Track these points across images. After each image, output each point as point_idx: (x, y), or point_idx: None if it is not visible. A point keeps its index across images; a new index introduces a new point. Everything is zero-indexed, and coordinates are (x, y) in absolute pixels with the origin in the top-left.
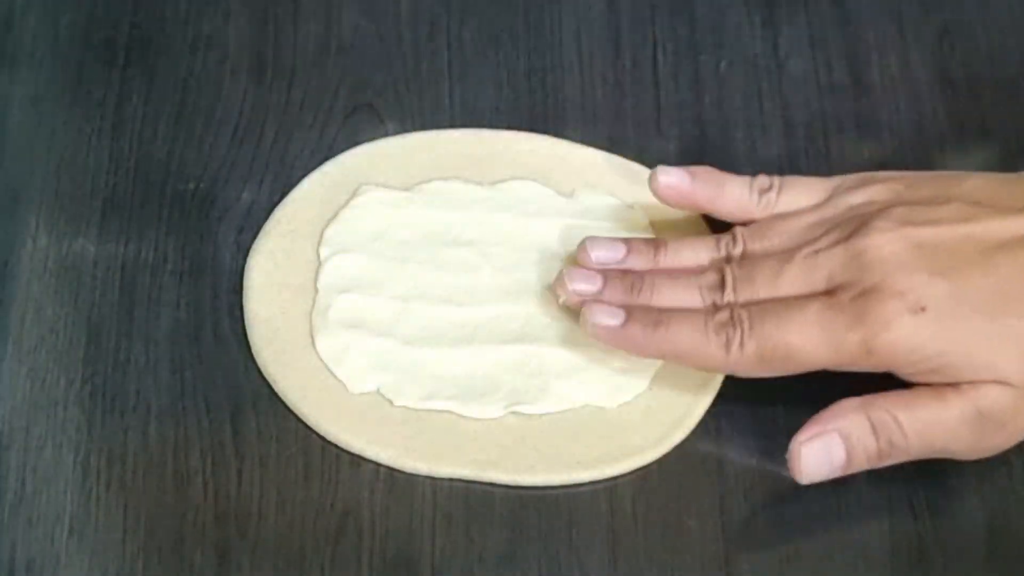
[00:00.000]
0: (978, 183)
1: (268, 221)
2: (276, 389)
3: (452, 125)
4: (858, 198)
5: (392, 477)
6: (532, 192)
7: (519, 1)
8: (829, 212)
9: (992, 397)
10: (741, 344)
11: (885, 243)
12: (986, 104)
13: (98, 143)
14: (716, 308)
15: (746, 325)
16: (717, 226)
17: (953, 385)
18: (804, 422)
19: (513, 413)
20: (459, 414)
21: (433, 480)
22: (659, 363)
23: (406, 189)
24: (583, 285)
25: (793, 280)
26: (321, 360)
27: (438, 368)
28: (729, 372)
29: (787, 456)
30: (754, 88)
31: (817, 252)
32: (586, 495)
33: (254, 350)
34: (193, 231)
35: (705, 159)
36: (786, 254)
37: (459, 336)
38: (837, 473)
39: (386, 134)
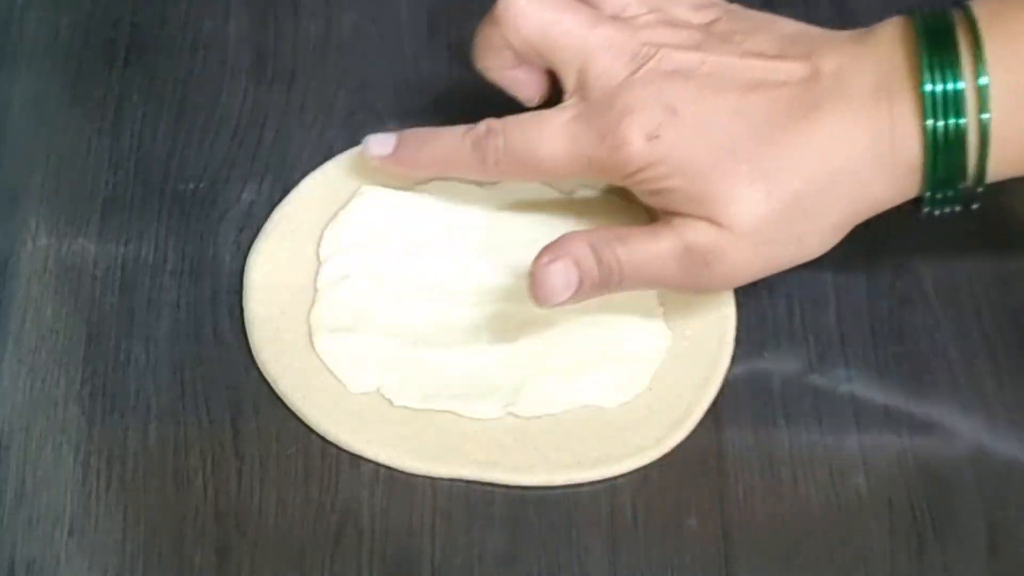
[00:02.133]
0: (788, 28)
1: (268, 221)
2: (276, 389)
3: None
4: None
5: (392, 477)
6: (532, 192)
7: None
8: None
9: (700, 232)
10: (496, 154)
11: (657, 59)
12: None
13: (98, 143)
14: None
15: (500, 139)
16: None
17: (667, 221)
18: (804, 422)
19: (513, 413)
20: (459, 414)
21: (433, 480)
22: (659, 363)
23: (406, 189)
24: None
25: None
26: (321, 360)
27: (438, 368)
28: (492, 180)
29: (528, 283)
30: None
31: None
32: (586, 495)
33: (254, 350)
34: (193, 231)
35: None
36: None
37: (459, 336)
38: (568, 296)
39: None
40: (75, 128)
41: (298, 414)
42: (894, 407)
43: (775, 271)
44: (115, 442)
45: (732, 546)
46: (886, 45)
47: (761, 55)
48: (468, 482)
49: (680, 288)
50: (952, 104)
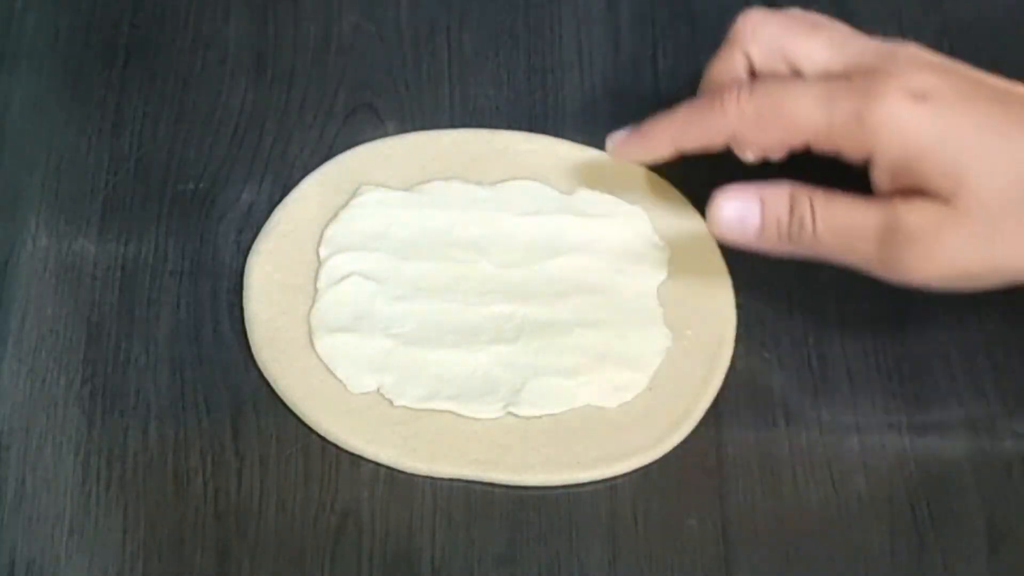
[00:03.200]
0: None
1: (268, 221)
2: (276, 389)
3: (452, 125)
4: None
5: (392, 477)
6: (532, 192)
7: (519, 1)
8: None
9: (918, 210)
10: (738, 100)
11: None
12: None
13: (98, 143)
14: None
15: (747, 88)
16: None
17: (888, 195)
18: (804, 422)
19: (513, 413)
20: (459, 414)
21: (433, 480)
22: (659, 363)
23: (406, 189)
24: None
25: None
26: (321, 360)
27: (438, 368)
28: (729, 131)
29: (707, 208)
30: None
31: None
32: (586, 495)
33: (254, 350)
34: (193, 231)
35: (705, 159)
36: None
37: (459, 336)
38: (748, 238)
39: (386, 134)
40: (75, 128)
41: (298, 414)
42: (894, 407)
43: (991, 272)
44: (115, 442)
45: (732, 546)
46: None
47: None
48: (468, 482)
49: (874, 270)
50: None
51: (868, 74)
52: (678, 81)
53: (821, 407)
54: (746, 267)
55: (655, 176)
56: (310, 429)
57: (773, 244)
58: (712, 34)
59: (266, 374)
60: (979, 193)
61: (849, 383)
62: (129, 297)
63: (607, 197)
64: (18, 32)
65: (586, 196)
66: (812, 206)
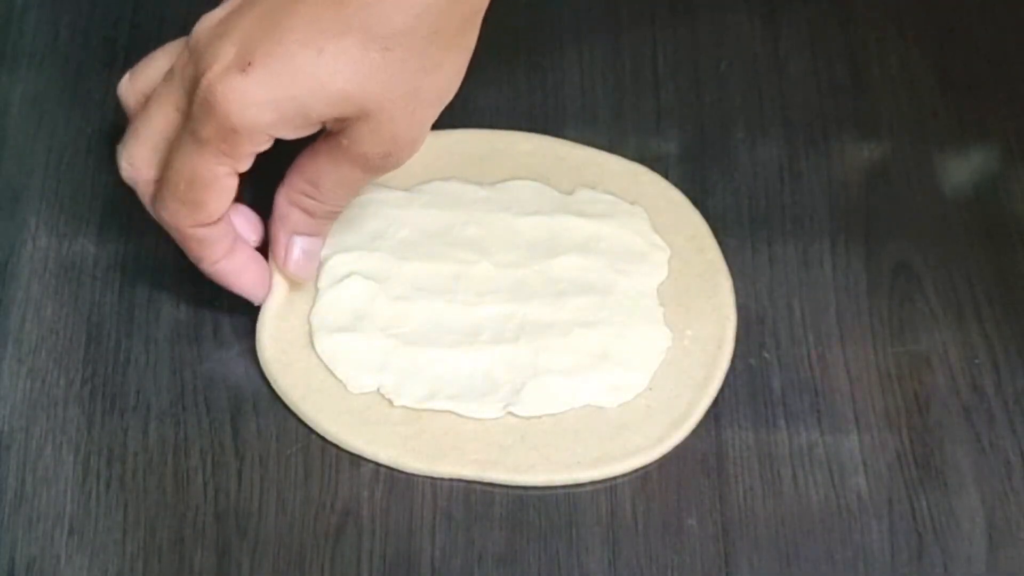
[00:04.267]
0: None
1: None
2: (276, 389)
3: (452, 125)
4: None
5: (392, 477)
6: (532, 192)
7: (519, 1)
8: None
9: (355, 136)
10: (164, 209)
11: (199, 35)
12: (986, 104)
13: (98, 143)
14: None
15: (159, 193)
16: (719, 229)
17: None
18: (804, 422)
19: (513, 413)
20: (459, 414)
21: (433, 480)
22: (659, 363)
23: (406, 189)
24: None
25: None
26: (321, 360)
27: (438, 368)
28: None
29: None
30: (754, 88)
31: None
32: (586, 495)
33: (258, 348)
34: None
35: (705, 159)
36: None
37: (459, 336)
38: (319, 249)
39: None
40: (75, 128)
41: (298, 414)
42: (894, 407)
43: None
44: (115, 442)
45: (732, 546)
46: None
47: None
48: (468, 482)
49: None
50: None
51: (197, 94)
52: (678, 81)
53: (821, 407)
54: (746, 267)
55: (655, 176)
56: (310, 429)
57: (319, 231)
58: (712, 34)
59: (266, 374)
60: (379, 100)
61: (849, 383)
62: (129, 297)
63: (607, 197)
64: (18, 32)
65: (586, 196)
66: (307, 192)
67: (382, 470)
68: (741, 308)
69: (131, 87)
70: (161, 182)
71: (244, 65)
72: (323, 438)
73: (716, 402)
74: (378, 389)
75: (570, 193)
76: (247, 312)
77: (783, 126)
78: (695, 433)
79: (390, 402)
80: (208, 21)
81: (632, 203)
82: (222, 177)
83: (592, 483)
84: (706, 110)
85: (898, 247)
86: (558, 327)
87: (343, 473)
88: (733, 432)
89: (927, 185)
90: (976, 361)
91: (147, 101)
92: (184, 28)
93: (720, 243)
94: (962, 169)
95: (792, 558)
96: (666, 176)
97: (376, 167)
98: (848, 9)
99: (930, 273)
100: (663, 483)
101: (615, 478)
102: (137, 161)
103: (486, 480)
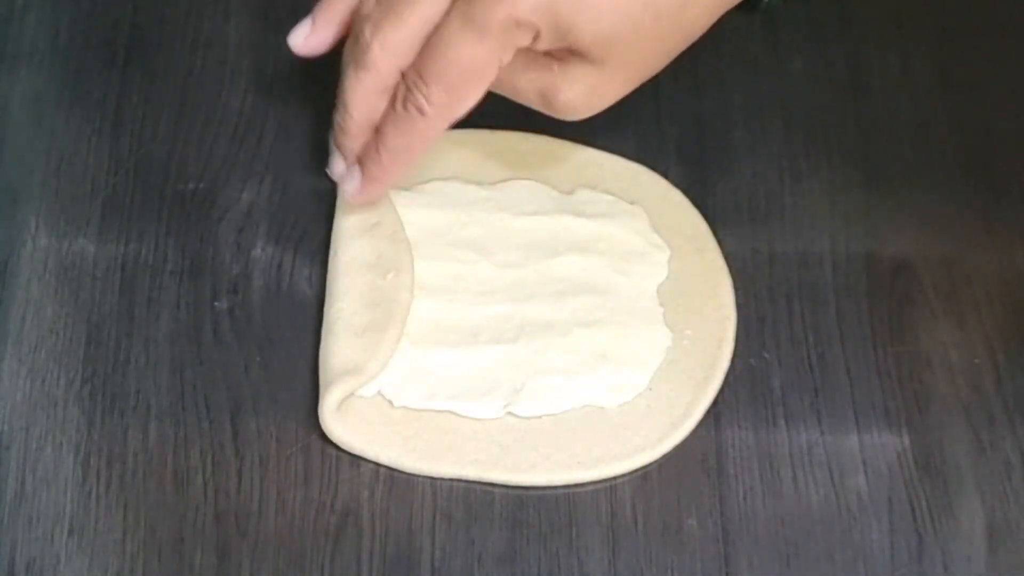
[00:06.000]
0: None
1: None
2: (276, 389)
3: (452, 125)
4: None
5: (392, 477)
6: (532, 192)
7: None
8: None
9: (572, 76)
10: (427, 100)
11: None
12: (986, 104)
13: (98, 143)
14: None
15: (420, 84)
16: (719, 230)
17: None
18: (804, 422)
19: (513, 413)
20: (459, 414)
21: (433, 480)
22: (659, 363)
23: (406, 189)
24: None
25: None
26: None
27: (438, 368)
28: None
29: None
30: (754, 88)
31: None
32: (586, 495)
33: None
34: (193, 231)
35: (705, 159)
36: None
37: (459, 336)
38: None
39: None
40: (75, 128)
41: (298, 414)
42: (894, 407)
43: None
44: (115, 442)
45: (732, 546)
46: None
47: None
48: (468, 482)
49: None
50: None
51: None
52: (678, 80)
53: (821, 407)
54: (746, 267)
55: (655, 176)
56: (310, 429)
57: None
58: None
59: (267, 374)
60: (626, 56)
61: (849, 383)
62: (129, 297)
63: (607, 197)
64: (18, 32)
65: (586, 196)
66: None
67: (382, 470)
68: (741, 308)
69: None
70: (419, 71)
71: None
72: (323, 438)
73: (716, 402)
74: (378, 389)
75: (570, 193)
76: (247, 313)
77: (783, 126)
78: (695, 433)
79: (390, 402)
80: None
81: (632, 203)
82: (497, 70)
83: (592, 483)
84: (706, 110)
85: (898, 247)
86: (558, 327)
87: (343, 473)
88: (733, 432)
89: (927, 185)
90: (976, 361)
91: None
92: (184, 28)
93: (720, 243)
94: (962, 169)
95: (792, 558)
96: (666, 176)
97: (551, 109)
98: (848, 9)
99: (930, 273)
100: (663, 483)
101: (615, 478)
102: (397, 46)
103: (486, 480)
